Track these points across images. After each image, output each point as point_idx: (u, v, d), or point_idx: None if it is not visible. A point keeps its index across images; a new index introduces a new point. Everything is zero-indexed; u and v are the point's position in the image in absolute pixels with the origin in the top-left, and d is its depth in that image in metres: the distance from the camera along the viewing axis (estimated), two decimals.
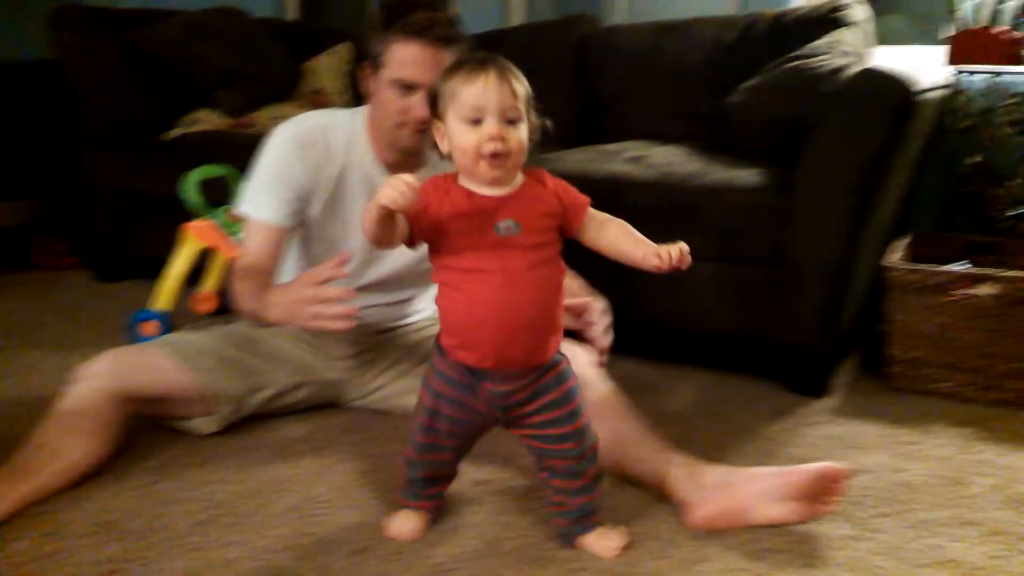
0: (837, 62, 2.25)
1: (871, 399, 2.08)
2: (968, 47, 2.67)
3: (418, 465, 1.41)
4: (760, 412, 1.99)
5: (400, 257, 1.83)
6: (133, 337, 2.26)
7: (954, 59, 2.67)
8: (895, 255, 2.20)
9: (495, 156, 1.23)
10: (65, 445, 1.55)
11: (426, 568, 1.34)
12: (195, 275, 2.46)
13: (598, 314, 1.68)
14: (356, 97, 2.06)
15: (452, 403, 1.35)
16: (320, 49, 3.42)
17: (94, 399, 1.60)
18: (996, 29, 2.66)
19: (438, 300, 1.34)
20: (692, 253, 1.28)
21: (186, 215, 2.40)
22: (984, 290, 2.01)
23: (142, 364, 1.69)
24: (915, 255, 2.33)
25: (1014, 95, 2.56)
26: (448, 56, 1.62)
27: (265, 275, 1.72)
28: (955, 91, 2.60)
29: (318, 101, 3.25)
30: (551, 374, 1.34)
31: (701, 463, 1.53)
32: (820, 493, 1.43)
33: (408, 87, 1.63)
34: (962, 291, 2.03)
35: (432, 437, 1.38)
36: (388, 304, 1.90)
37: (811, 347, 2.08)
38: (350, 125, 1.78)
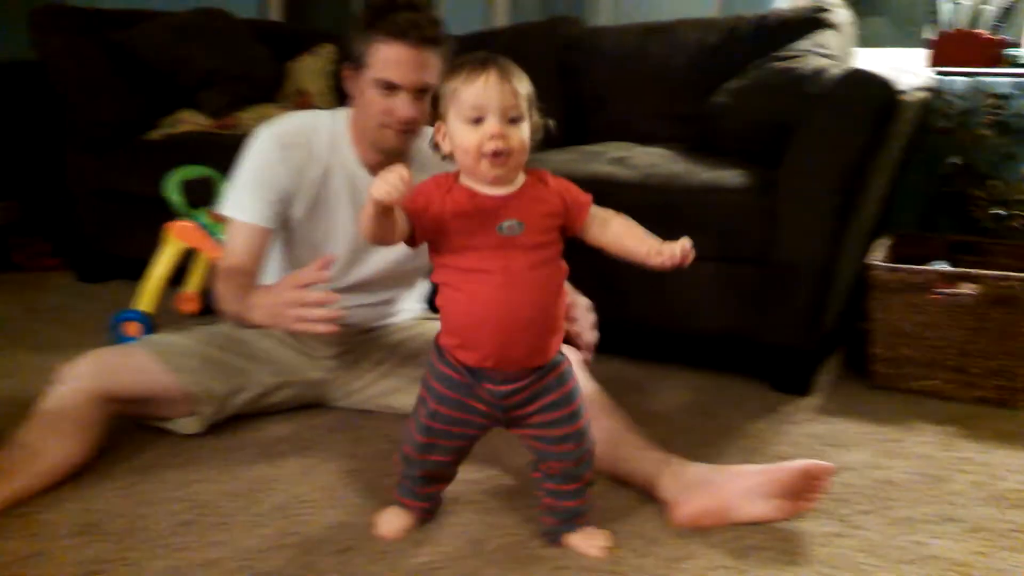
0: (820, 64, 2.26)
1: (854, 397, 2.10)
2: (949, 49, 2.70)
3: (416, 464, 1.40)
4: (744, 410, 2.00)
5: (384, 258, 1.83)
6: (116, 338, 2.25)
7: (936, 61, 2.70)
8: (878, 255, 2.22)
9: (496, 155, 1.23)
10: (47, 446, 1.55)
11: (411, 567, 1.34)
12: (178, 276, 2.46)
13: (583, 312, 1.68)
14: (340, 98, 2.05)
15: (451, 403, 1.34)
16: (303, 50, 3.41)
17: (76, 400, 1.59)
18: (977, 32, 2.69)
19: (438, 300, 1.33)
20: None
21: (169, 215, 2.39)
22: (965, 289, 2.02)
23: (125, 365, 1.68)
24: (897, 255, 2.35)
25: (994, 96, 2.58)
26: (432, 57, 1.62)
27: (248, 276, 1.72)
28: (936, 93, 2.62)
29: (301, 102, 3.25)
30: (552, 375, 1.34)
31: (685, 461, 1.54)
32: (803, 490, 1.44)
33: (391, 87, 1.63)
34: (943, 290, 2.04)
35: (431, 437, 1.37)
36: (372, 304, 1.90)
37: (795, 346, 2.09)
38: (333, 126, 1.78)
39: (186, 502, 1.52)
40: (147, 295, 2.36)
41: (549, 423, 1.35)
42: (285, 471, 1.65)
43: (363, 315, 1.89)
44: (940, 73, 2.64)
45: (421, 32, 1.60)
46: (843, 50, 2.51)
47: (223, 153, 1.99)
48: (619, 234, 1.35)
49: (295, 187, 1.74)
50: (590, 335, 1.67)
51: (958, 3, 2.76)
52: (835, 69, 2.17)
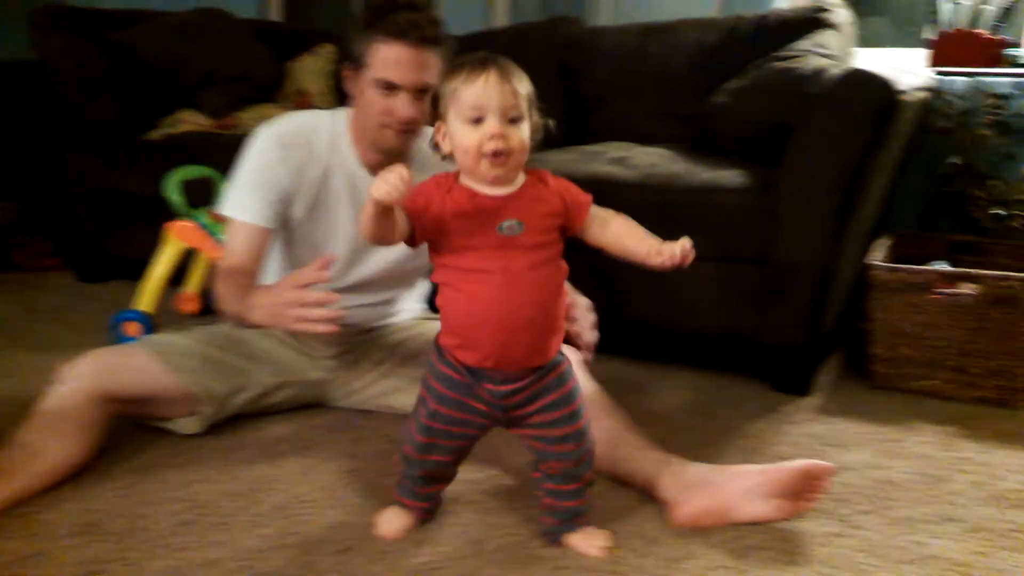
0: (820, 64, 2.26)
1: (854, 397, 2.10)
2: (949, 49, 2.70)
3: (416, 463, 1.40)
4: (744, 410, 2.00)
5: (384, 258, 1.83)
6: (116, 338, 2.25)
7: (936, 61, 2.70)
8: (878, 255, 2.22)
9: (496, 154, 1.23)
10: (47, 446, 1.55)
11: (411, 567, 1.34)
12: (178, 276, 2.45)
13: (583, 312, 1.68)
14: (340, 98, 2.05)
15: (451, 403, 1.34)
16: (303, 50, 3.41)
17: (77, 400, 1.59)
18: (977, 32, 2.69)
19: (438, 300, 1.33)
20: None
21: (169, 215, 2.39)
22: (965, 289, 2.02)
23: (125, 365, 1.68)
24: (897, 255, 2.35)
25: (994, 96, 2.58)
26: (431, 57, 1.62)
27: (248, 276, 1.71)
28: (936, 93, 2.62)
29: (301, 102, 3.25)
30: (552, 375, 1.34)
31: (685, 461, 1.54)
32: (803, 490, 1.44)
33: (391, 87, 1.63)
34: (943, 290, 2.04)
35: (431, 437, 1.37)
36: (371, 304, 1.90)
37: (795, 346, 2.09)
38: (333, 126, 1.78)
39: (186, 502, 1.52)
40: (147, 295, 2.36)
41: (549, 423, 1.35)
42: (285, 471, 1.65)
43: (363, 315, 1.89)
44: (940, 73, 2.64)
45: (421, 32, 1.60)
46: (843, 50, 2.51)
47: (223, 153, 1.99)
48: (619, 234, 1.35)
49: (295, 187, 1.74)
50: (590, 335, 1.67)
51: (958, 3, 2.76)
52: (835, 69, 2.17)
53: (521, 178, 1.30)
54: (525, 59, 1.32)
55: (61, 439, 1.56)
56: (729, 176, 2.11)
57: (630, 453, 1.56)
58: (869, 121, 1.93)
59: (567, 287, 1.74)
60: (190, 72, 3.11)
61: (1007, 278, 2.00)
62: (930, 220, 2.71)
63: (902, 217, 2.69)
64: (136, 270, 2.45)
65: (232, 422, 1.81)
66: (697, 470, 1.52)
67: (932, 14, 2.80)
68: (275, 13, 4.32)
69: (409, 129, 1.67)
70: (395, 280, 1.90)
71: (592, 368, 1.66)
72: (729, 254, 2.07)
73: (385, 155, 1.71)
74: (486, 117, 1.23)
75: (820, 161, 1.96)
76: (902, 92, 2.00)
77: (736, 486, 1.47)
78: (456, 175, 1.30)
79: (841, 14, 2.58)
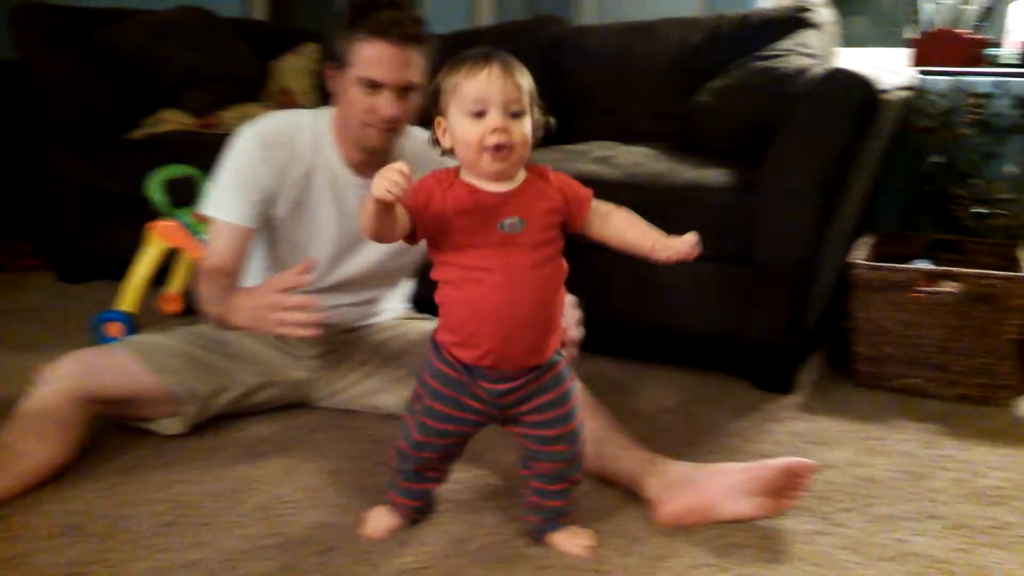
0: (802, 63, 2.27)
1: (836, 395, 2.11)
2: (931, 49, 2.72)
3: (410, 459, 1.39)
4: (727, 409, 2.00)
5: (366, 258, 1.82)
6: (98, 338, 2.24)
7: (917, 61, 2.72)
8: (860, 253, 2.23)
9: (498, 148, 1.22)
10: (29, 447, 1.54)
11: (394, 567, 1.33)
12: (161, 276, 2.44)
13: (568, 309, 1.68)
14: (323, 97, 2.05)
15: (447, 400, 1.34)
16: (287, 49, 3.41)
17: (58, 401, 1.58)
18: (958, 31, 2.71)
19: (437, 296, 1.32)
20: None
21: (151, 215, 2.38)
22: (947, 288, 2.03)
23: (107, 365, 1.68)
24: (879, 253, 2.36)
25: (976, 95, 2.60)
26: (414, 55, 1.62)
27: (230, 277, 1.71)
28: (918, 92, 2.64)
29: (285, 101, 3.24)
30: (549, 375, 1.34)
31: (669, 460, 1.54)
32: (785, 488, 1.45)
33: (374, 86, 1.62)
34: (925, 289, 2.05)
35: (426, 433, 1.36)
36: (354, 304, 1.89)
37: (778, 344, 2.10)
38: (316, 125, 1.77)
39: (168, 503, 1.52)
40: (129, 295, 2.35)
41: (543, 423, 1.34)
42: (268, 471, 1.65)
43: (346, 315, 1.89)
44: (922, 72, 2.66)
45: (403, 30, 1.59)
46: (825, 49, 2.51)
47: (206, 152, 1.97)
48: (621, 228, 1.34)
49: (277, 187, 1.73)
50: (575, 331, 1.67)
51: (940, 3, 2.78)
52: (817, 68, 2.18)
53: (522, 174, 1.29)
54: None
55: (43, 440, 1.55)
56: (712, 175, 2.11)
57: (615, 452, 1.56)
58: (851, 120, 1.93)
59: None
60: (172, 71, 3.09)
61: (988, 276, 2.02)
62: (912, 219, 2.72)
63: (884, 216, 2.70)
64: (118, 270, 2.43)
65: (215, 422, 1.81)
66: (681, 468, 1.52)
67: (914, 14, 2.82)
68: (259, 12, 4.31)
69: (392, 128, 1.67)
70: (378, 280, 1.90)
71: (576, 366, 1.66)
72: (712, 253, 2.04)
73: (368, 154, 1.71)
74: (488, 111, 1.22)
75: (802, 160, 1.96)
76: (884, 91, 2.01)
77: (719, 484, 1.47)
78: (456, 171, 1.29)
79: (823, 13, 2.59)
